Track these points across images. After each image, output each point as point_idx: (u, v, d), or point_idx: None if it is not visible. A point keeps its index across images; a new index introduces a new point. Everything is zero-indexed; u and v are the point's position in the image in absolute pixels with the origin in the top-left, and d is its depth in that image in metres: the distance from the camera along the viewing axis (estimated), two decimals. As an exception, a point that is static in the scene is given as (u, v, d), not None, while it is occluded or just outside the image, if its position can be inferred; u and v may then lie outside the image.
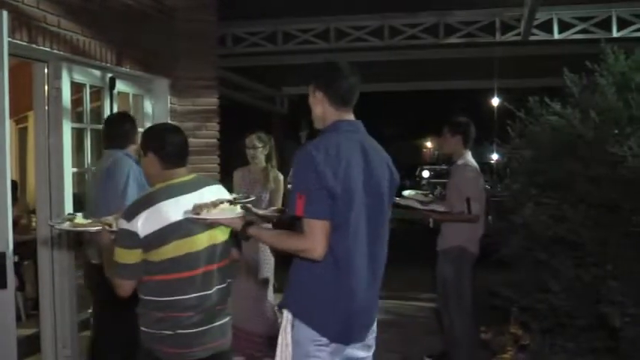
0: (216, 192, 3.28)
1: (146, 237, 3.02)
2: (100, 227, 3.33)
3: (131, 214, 3.07)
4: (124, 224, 3.06)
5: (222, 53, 9.30)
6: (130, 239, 3.04)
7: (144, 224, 3.02)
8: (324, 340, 2.89)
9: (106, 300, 4.16)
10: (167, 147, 3.19)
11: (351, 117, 3.09)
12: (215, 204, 3.06)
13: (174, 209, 3.08)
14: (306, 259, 2.83)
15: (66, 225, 3.54)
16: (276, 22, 10.78)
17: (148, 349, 3.13)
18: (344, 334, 2.94)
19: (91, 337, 4.77)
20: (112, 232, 3.29)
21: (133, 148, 4.55)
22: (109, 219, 3.41)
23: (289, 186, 3.86)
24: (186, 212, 3.05)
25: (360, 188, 2.90)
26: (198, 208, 3.03)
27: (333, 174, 2.81)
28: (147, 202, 3.11)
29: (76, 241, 4.73)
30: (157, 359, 3.11)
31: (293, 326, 2.92)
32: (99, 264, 4.07)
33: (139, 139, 4.35)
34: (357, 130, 3.07)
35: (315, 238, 2.77)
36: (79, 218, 3.55)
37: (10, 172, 3.49)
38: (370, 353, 3.09)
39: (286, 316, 2.96)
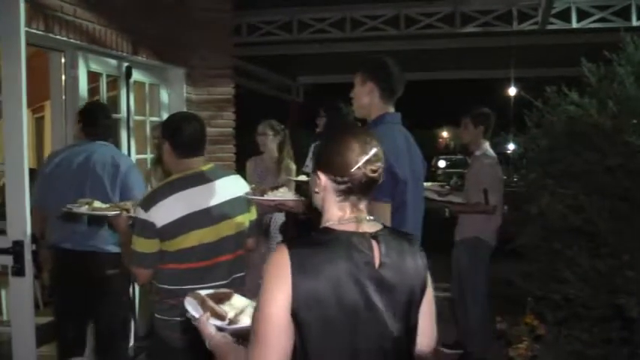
0: (233, 182, 3.30)
1: (162, 227, 3.04)
2: (118, 212, 3.35)
3: (148, 203, 3.09)
4: (142, 214, 3.08)
5: (238, 42, 9.29)
6: (147, 229, 3.06)
7: (160, 214, 3.05)
8: None
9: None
10: (181, 137, 3.19)
11: (393, 109, 3.28)
12: (276, 187, 3.19)
13: (190, 200, 3.10)
14: None
15: (84, 209, 3.54)
16: (291, 11, 10.74)
17: (161, 336, 3.15)
18: None
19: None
20: (131, 217, 3.31)
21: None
22: (128, 204, 3.44)
23: (302, 177, 3.85)
24: (248, 193, 3.18)
25: (408, 175, 3.10)
26: (254, 189, 3.12)
27: (395, 160, 2.98)
28: (163, 192, 3.12)
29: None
30: (169, 346, 3.13)
31: None
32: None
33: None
34: (399, 122, 3.29)
35: (380, 219, 2.88)
36: (98, 203, 3.57)
37: (27, 161, 3.51)
38: None
39: None
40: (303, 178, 3.79)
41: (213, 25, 6.61)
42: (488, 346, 5.34)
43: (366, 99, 3.25)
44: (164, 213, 3.05)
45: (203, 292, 2.19)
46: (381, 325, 1.87)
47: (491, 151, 5.47)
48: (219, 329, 2.02)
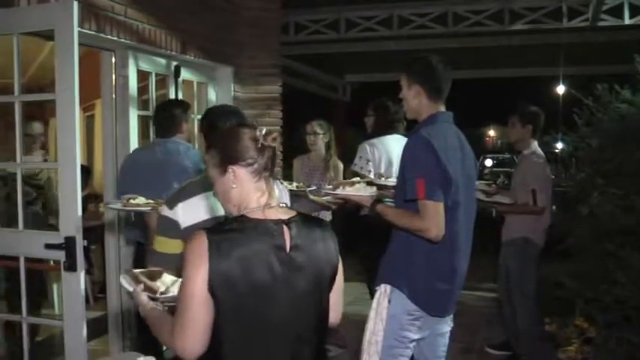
0: None
1: (186, 229, 2.87)
2: (150, 208, 3.29)
3: (174, 201, 2.96)
4: (166, 211, 2.95)
5: (285, 41, 9.33)
6: (171, 228, 2.91)
7: (184, 214, 2.91)
8: (419, 314, 3.15)
9: None
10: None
11: (444, 108, 3.27)
12: (353, 182, 3.27)
13: (216, 202, 2.88)
14: (421, 238, 3.05)
15: (118, 205, 3.54)
16: (338, 9, 10.74)
17: None
18: (442, 308, 3.24)
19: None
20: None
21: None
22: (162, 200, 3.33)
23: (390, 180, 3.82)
24: (324, 187, 3.27)
25: (461, 175, 3.11)
26: (335, 185, 3.17)
27: (447, 160, 3.02)
28: (191, 190, 2.98)
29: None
30: None
31: (389, 300, 3.16)
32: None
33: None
34: (452, 120, 3.28)
35: (432, 220, 2.99)
36: (139, 199, 3.54)
37: (79, 159, 3.57)
38: (452, 325, 3.41)
39: (384, 289, 3.20)
40: (390, 181, 3.75)
41: (261, 24, 6.65)
42: (536, 348, 5.26)
43: (415, 101, 3.25)
44: (188, 214, 2.91)
45: (136, 270, 2.42)
46: (291, 302, 2.08)
47: (539, 151, 5.38)
48: (152, 299, 2.27)
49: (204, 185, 2.94)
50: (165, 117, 4.50)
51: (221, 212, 2.89)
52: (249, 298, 2.01)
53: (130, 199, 3.60)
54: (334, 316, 2.29)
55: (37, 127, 5.41)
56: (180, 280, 2.21)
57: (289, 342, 2.09)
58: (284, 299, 2.06)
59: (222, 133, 2.27)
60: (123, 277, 2.39)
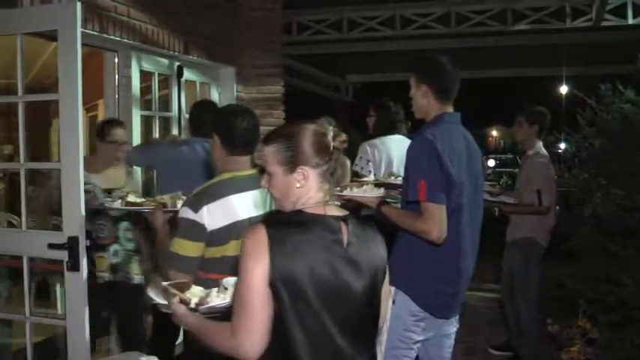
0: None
1: (212, 232, 2.85)
2: (154, 207, 3.21)
3: (197, 204, 2.88)
4: (190, 214, 2.87)
5: (288, 41, 9.33)
6: (196, 231, 2.85)
7: (211, 217, 2.86)
8: (423, 315, 3.16)
9: None
10: (232, 132, 2.97)
11: (451, 109, 3.26)
12: (361, 184, 3.30)
13: (243, 205, 2.93)
14: (424, 240, 3.05)
15: (117, 204, 3.44)
16: (341, 9, 10.75)
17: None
18: (446, 310, 3.24)
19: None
20: (167, 212, 3.21)
21: None
22: (165, 198, 3.30)
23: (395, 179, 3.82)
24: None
25: (466, 177, 3.10)
26: (343, 186, 3.27)
27: (451, 162, 3.01)
28: (215, 193, 2.92)
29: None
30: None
31: (393, 301, 3.15)
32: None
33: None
34: (459, 121, 3.27)
35: (433, 222, 2.98)
36: (132, 197, 3.47)
37: (82, 160, 3.57)
38: (457, 326, 3.41)
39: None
40: (400, 180, 3.71)
41: (263, 24, 6.65)
42: (538, 348, 5.25)
43: (423, 101, 3.24)
44: (216, 216, 2.86)
45: (165, 283, 2.37)
46: (350, 297, 2.05)
47: (544, 151, 5.37)
48: (193, 310, 2.23)
49: (226, 188, 2.94)
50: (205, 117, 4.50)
51: (242, 215, 2.91)
52: (311, 292, 1.98)
53: (122, 196, 3.54)
54: (382, 317, 2.27)
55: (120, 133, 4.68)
56: (208, 291, 2.29)
57: (349, 337, 2.05)
58: (343, 295, 2.04)
59: (293, 131, 2.17)
60: (150, 290, 2.37)
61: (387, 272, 2.21)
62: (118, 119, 4.83)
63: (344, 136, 2.18)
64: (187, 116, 5.38)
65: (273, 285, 1.96)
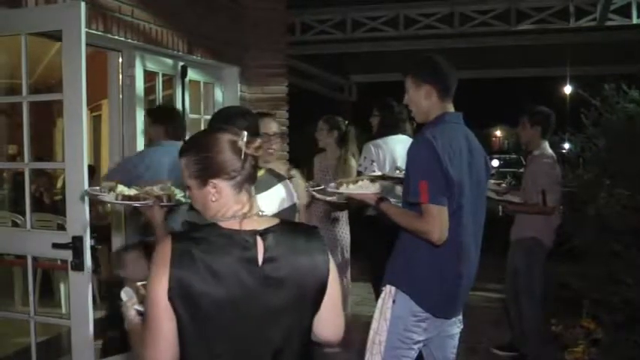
0: (276, 193, 3.13)
1: None
2: (151, 201, 3.05)
3: None
4: (198, 218, 2.86)
5: (291, 41, 9.33)
6: None
7: None
8: (424, 315, 3.13)
9: None
10: None
11: (452, 108, 3.22)
12: (356, 180, 3.20)
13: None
14: (425, 241, 3.02)
15: (110, 197, 3.16)
16: (345, 9, 10.75)
17: None
18: (448, 310, 3.21)
19: None
20: (164, 206, 3.07)
21: None
22: (155, 189, 3.12)
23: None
24: (331, 186, 3.24)
25: (467, 177, 3.06)
26: (339, 182, 3.19)
27: (452, 163, 2.97)
28: None
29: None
30: None
31: (394, 301, 3.13)
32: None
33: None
34: (460, 121, 3.23)
35: (434, 223, 2.95)
36: (122, 187, 3.18)
37: (87, 159, 3.58)
38: (461, 327, 3.38)
39: (389, 290, 3.18)
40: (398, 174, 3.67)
41: (267, 24, 6.65)
42: (542, 349, 5.25)
43: (425, 102, 3.17)
44: None
45: (140, 283, 2.19)
46: (266, 318, 1.93)
47: (549, 151, 5.36)
48: (140, 313, 2.09)
49: None
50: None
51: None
52: (213, 312, 1.87)
53: (111, 187, 3.19)
54: (330, 332, 2.13)
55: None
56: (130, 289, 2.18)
57: (268, 357, 1.94)
58: (256, 315, 1.92)
59: (201, 141, 2.07)
60: (124, 292, 2.20)
61: (332, 285, 2.05)
62: None
63: (258, 142, 2.03)
64: (191, 116, 5.41)
65: (171, 300, 1.85)
